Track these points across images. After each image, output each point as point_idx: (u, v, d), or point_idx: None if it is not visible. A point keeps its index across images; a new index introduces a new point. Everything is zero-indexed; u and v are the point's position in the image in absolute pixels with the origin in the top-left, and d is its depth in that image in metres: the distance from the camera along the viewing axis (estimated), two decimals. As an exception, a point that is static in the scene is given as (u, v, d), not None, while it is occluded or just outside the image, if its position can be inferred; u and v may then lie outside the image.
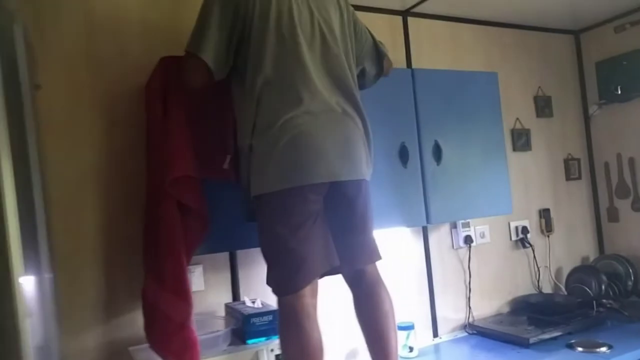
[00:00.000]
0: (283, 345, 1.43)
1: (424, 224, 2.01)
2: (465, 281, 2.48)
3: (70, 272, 1.67)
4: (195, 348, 1.50)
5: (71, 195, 1.70)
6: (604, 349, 2.08)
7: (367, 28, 1.75)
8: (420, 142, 2.03)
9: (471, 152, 2.14)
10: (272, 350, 1.66)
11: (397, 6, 2.40)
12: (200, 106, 1.59)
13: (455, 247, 2.48)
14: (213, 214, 1.61)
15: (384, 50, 1.79)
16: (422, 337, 2.32)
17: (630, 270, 2.66)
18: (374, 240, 1.59)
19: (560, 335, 2.23)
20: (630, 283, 2.65)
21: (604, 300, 2.52)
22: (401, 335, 2.16)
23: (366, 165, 1.54)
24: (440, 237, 2.46)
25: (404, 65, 2.43)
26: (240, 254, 1.96)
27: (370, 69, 1.75)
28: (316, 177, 1.39)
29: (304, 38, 1.47)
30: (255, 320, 1.69)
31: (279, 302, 1.44)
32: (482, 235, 2.55)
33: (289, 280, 1.40)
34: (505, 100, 2.69)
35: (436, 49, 2.54)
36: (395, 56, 2.38)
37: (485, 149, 2.18)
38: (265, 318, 1.72)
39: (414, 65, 2.44)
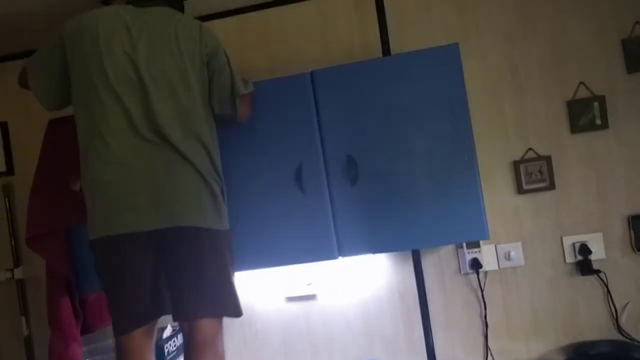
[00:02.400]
0: None
1: (335, 257, 1.69)
2: (481, 315, 1.91)
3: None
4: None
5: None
6: None
7: (228, 64, 1.55)
8: (325, 160, 1.70)
9: (411, 164, 1.65)
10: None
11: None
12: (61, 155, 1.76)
13: (463, 272, 1.92)
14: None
15: (241, 90, 1.55)
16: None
17: None
18: (219, 294, 1.48)
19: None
20: None
21: None
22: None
23: (206, 212, 1.44)
24: (441, 260, 1.95)
25: (379, 52, 2.00)
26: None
27: (220, 110, 1.56)
28: (122, 227, 1.40)
29: (116, 77, 1.41)
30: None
31: (115, 342, 1.54)
32: (508, 257, 1.88)
33: (117, 323, 1.50)
34: (561, 56, 1.89)
35: (433, 18, 1.97)
36: (364, 41, 2.00)
37: (439, 155, 1.64)
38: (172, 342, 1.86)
39: (394, 50, 1.98)
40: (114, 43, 1.43)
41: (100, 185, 1.40)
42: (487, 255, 1.89)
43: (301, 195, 1.70)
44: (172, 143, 1.40)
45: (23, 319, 2.19)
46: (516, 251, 1.89)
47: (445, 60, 1.65)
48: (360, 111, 1.68)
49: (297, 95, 1.72)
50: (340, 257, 1.69)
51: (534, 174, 1.87)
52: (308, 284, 2.02)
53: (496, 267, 1.89)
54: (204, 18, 2.08)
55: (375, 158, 1.67)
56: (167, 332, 1.89)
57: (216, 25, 2.10)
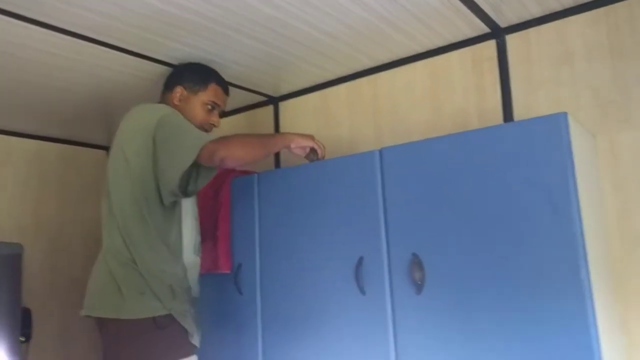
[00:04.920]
0: None
1: (392, 377, 1.33)
2: None
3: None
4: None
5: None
6: None
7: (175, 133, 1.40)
8: (389, 258, 1.38)
9: (496, 272, 1.21)
10: None
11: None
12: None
13: None
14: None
15: (184, 162, 1.34)
16: None
17: None
18: None
19: None
20: None
21: None
22: None
23: (104, 300, 1.37)
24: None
25: (499, 119, 1.58)
26: None
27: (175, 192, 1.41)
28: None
29: None
30: None
31: None
32: None
33: None
34: None
35: (575, 75, 1.47)
36: (482, 106, 1.62)
37: (535, 265, 1.17)
38: None
39: (517, 117, 1.54)
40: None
41: None
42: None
43: (360, 296, 1.41)
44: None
45: None
46: None
47: (551, 136, 1.18)
48: (432, 198, 1.32)
49: (363, 178, 1.45)
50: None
51: None
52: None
53: None
54: (318, 87, 2.00)
55: (448, 260, 1.28)
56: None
57: (328, 93, 1.98)
